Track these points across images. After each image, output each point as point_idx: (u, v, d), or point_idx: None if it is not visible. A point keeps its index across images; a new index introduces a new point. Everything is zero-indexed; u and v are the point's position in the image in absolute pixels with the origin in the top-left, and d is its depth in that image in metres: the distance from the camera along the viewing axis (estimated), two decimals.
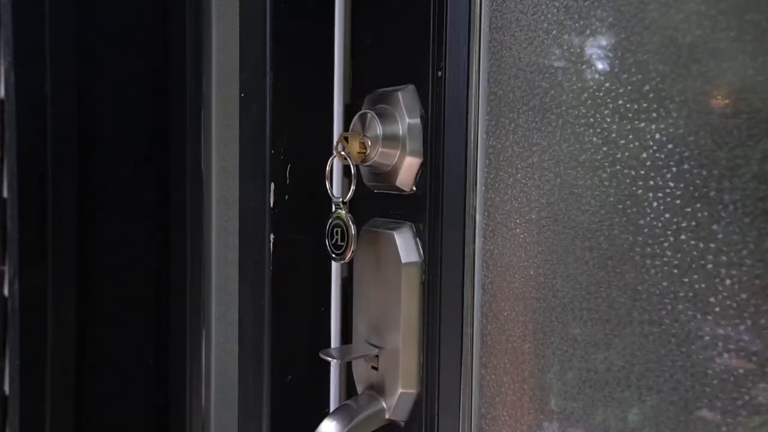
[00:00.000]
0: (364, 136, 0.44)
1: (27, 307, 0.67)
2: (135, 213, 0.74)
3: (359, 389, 0.49)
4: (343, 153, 0.42)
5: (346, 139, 0.43)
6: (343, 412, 0.45)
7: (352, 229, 0.42)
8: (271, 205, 0.46)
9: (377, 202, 0.47)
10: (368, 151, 0.43)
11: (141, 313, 0.75)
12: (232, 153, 0.66)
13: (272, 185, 0.46)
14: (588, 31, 0.35)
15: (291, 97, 0.47)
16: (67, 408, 0.69)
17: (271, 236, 0.47)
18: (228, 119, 0.67)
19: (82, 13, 0.68)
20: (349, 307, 0.52)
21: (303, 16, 0.48)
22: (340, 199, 0.43)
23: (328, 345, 0.49)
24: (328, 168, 0.45)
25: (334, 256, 0.44)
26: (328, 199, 0.47)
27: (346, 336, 0.52)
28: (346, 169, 0.49)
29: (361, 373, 0.48)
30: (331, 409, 0.49)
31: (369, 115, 0.43)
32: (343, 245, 0.43)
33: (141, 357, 0.75)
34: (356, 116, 0.45)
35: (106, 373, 0.73)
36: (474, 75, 0.41)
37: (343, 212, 0.43)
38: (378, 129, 0.43)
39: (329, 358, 0.43)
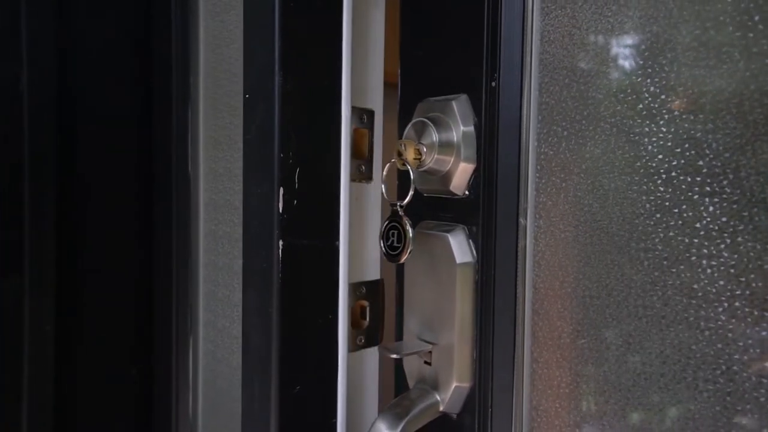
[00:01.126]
0: (420, 143, 0.46)
1: (2, 316, 0.63)
2: (117, 217, 0.71)
3: (411, 384, 0.51)
4: (402, 159, 0.44)
5: (403, 146, 0.45)
6: (400, 405, 0.47)
7: (410, 233, 0.45)
8: (280, 210, 0.45)
9: (428, 204, 0.50)
10: (423, 158, 0.46)
11: (124, 321, 0.72)
12: (222, 155, 0.65)
13: (281, 189, 0.46)
14: (643, 46, 0.37)
15: (300, 98, 0.46)
16: (45, 421, 0.66)
17: (280, 242, 0.46)
18: (217, 120, 0.65)
19: (61, 7, 0.65)
20: (355, 314, 0.54)
21: (311, 15, 0.47)
22: (398, 203, 0.45)
23: (336, 353, 0.49)
24: (384, 173, 0.47)
25: (390, 257, 0.46)
26: (337, 203, 0.47)
27: (353, 343, 0.53)
28: (400, 174, 0.51)
29: (414, 368, 0.50)
30: (339, 419, 0.50)
31: (425, 123, 0.46)
32: (399, 247, 0.45)
33: (123, 366, 0.72)
34: (410, 124, 0.48)
35: (86, 384, 0.70)
36: (527, 85, 0.44)
37: (401, 215, 0.45)
38: (434, 136, 0.45)
39: (391, 354, 0.46)
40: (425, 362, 0.49)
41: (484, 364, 0.46)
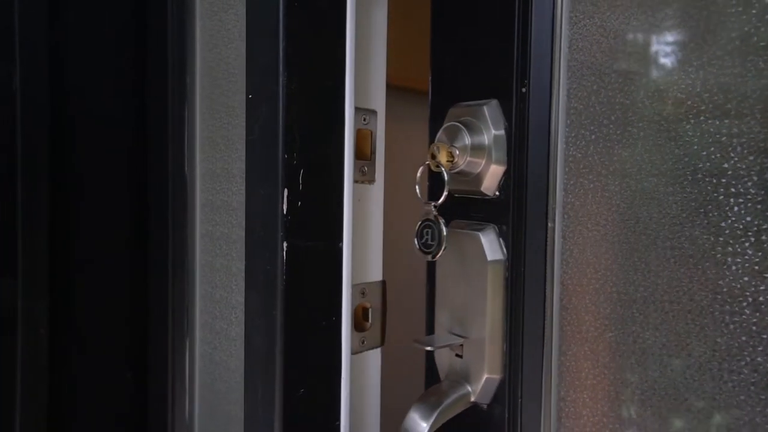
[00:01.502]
0: (452, 146, 0.48)
1: None
2: (112, 218, 0.69)
3: (442, 376, 0.53)
4: (435, 161, 0.47)
5: (437, 148, 0.47)
6: (432, 396, 0.49)
7: (444, 231, 0.47)
8: (284, 212, 0.45)
9: (459, 205, 0.52)
10: (456, 160, 0.48)
11: (119, 324, 0.70)
12: (219, 155, 0.63)
13: (285, 191, 0.45)
14: (671, 54, 0.39)
15: (304, 98, 0.46)
16: (39, 425, 0.64)
17: (284, 244, 0.45)
18: (214, 120, 0.64)
19: (54, 5, 0.63)
20: (357, 316, 0.54)
21: (315, 14, 0.46)
22: (432, 203, 0.48)
23: (339, 355, 0.49)
24: (418, 175, 0.49)
25: (424, 254, 0.48)
26: (341, 204, 0.48)
27: (356, 344, 0.54)
28: (431, 175, 0.53)
29: (445, 361, 0.52)
30: (342, 422, 0.50)
31: (458, 127, 0.48)
32: (433, 245, 0.48)
33: (119, 369, 0.70)
34: (443, 128, 0.50)
35: (81, 387, 0.68)
36: (556, 91, 0.46)
37: (435, 215, 0.47)
38: (467, 139, 0.48)
39: (425, 347, 0.48)
40: (456, 355, 0.51)
41: (514, 357, 0.48)
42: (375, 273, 0.57)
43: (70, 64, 0.66)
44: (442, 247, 0.47)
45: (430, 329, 0.55)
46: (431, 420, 0.48)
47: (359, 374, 0.56)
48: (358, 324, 0.55)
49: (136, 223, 0.71)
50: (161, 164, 0.69)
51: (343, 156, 0.48)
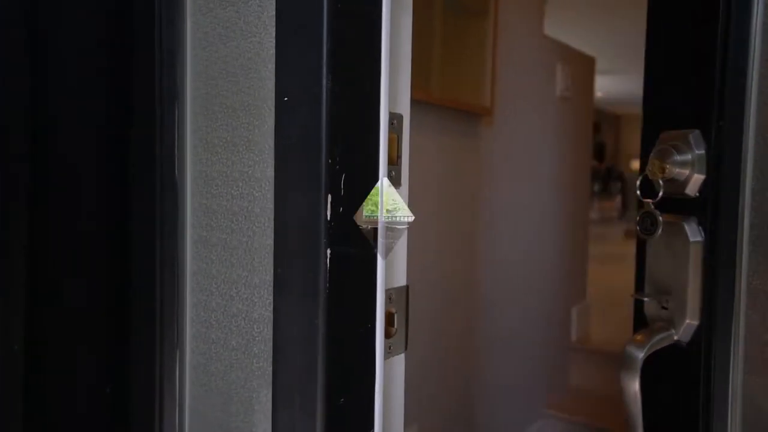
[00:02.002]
0: (665, 161, 0.70)
1: None
2: (95, 224, 0.66)
3: (650, 323, 0.75)
4: (653, 172, 0.69)
5: (654, 164, 0.70)
6: (645, 334, 0.72)
7: (660, 219, 0.69)
8: (328, 218, 0.45)
9: (668, 202, 0.74)
10: (667, 172, 0.70)
11: (99, 337, 0.66)
12: (216, 158, 0.62)
13: (329, 197, 0.45)
14: None
15: (345, 102, 0.45)
16: None
17: (328, 251, 0.45)
18: (210, 121, 0.62)
19: (33, 3, 0.60)
20: (393, 320, 0.55)
21: (355, 17, 0.47)
22: (650, 201, 0.70)
23: (374, 361, 0.50)
24: (638, 182, 0.72)
25: (646, 236, 0.71)
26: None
27: (386, 351, 0.54)
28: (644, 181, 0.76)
29: (653, 311, 0.75)
30: (376, 429, 0.51)
31: (669, 149, 0.70)
32: (652, 229, 0.70)
33: (98, 385, 0.67)
34: (656, 149, 0.72)
35: (60, 405, 0.65)
36: (746, 124, 0.66)
37: (653, 208, 0.70)
38: (676, 157, 0.69)
39: (644, 297, 0.71)
40: (662, 307, 0.73)
41: (710, 308, 0.69)
42: (400, 278, 0.57)
43: (50, 61, 0.62)
44: (659, 230, 0.69)
45: (640, 288, 0.77)
46: (644, 350, 0.70)
47: (387, 381, 0.56)
48: (386, 330, 0.54)
49: (119, 229, 0.67)
50: (147, 167, 0.65)
51: (378, 160, 0.49)
